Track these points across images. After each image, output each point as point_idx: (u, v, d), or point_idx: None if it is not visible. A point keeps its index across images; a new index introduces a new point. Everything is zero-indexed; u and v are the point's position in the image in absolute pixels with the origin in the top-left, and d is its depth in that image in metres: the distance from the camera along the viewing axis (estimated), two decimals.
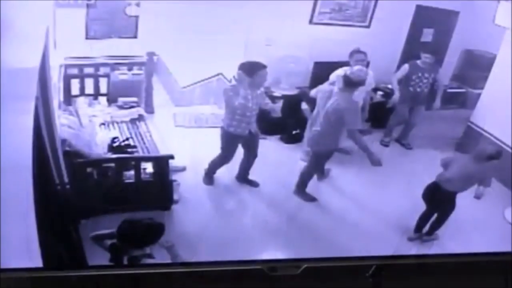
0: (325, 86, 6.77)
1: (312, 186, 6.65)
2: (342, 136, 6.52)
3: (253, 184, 6.76)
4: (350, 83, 6.51)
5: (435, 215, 6.25)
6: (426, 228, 6.32)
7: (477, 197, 6.29)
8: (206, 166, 6.65)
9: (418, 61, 7.62)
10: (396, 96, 7.74)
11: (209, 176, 6.73)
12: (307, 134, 6.83)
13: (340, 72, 6.79)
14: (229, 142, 6.54)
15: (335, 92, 6.55)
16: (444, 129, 8.37)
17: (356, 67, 6.70)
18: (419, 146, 7.92)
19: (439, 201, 6.16)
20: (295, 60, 7.51)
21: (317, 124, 6.64)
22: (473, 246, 6.08)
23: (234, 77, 6.17)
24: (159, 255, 4.97)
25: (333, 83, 6.86)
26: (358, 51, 7.30)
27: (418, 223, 6.27)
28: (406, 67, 7.69)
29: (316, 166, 6.69)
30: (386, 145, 7.95)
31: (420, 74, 7.63)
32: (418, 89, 7.68)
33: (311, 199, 6.66)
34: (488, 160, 6.19)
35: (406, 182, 6.91)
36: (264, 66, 6.23)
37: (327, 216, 6.43)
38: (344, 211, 6.50)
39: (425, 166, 7.33)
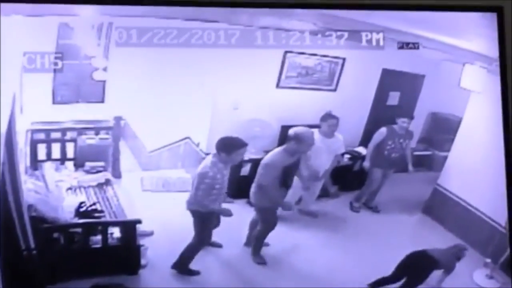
0: None
1: (276, 250, 6.59)
2: (278, 191, 6.47)
3: (216, 245, 6.67)
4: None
5: (403, 281, 6.17)
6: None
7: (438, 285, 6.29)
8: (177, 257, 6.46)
9: (395, 126, 7.62)
10: (367, 164, 7.73)
11: (186, 268, 6.40)
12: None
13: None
14: (205, 223, 6.39)
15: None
16: (411, 191, 8.40)
17: (300, 128, 6.66)
18: (386, 209, 7.93)
19: (421, 268, 6.11)
20: (261, 124, 7.53)
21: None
22: None
23: (212, 156, 6.05)
24: None
25: None
26: (330, 115, 7.33)
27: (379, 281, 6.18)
28: (383, 131, 7.68)
29: (266, 224, 6.59)
30: (357, 211, 7.93)
31: (396, 139, 7.65)
32: (393, 154, 7.69)
33: (262, 262, 6.60)
34: (457, 259, 6.22)
35: (372, 246, 6.90)
36: (245, 144, 6.14)
37: (294, 279, 6.37)
38: (310, 274, 6.46)
39: (392, 229, 7.36)
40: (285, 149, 6.36)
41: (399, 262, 6.14)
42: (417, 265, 6.05)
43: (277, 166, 6.37)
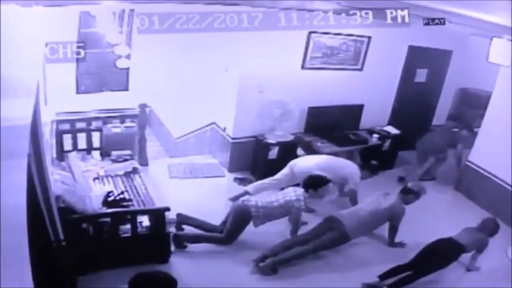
0: None
1: None
2: None
3: None
4: None
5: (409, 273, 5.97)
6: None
7: (469, 269, 6.18)
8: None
9: None
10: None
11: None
12: None
13: None
14: None
15: None
16: (443, 169, 8.29)
17: None
18: None
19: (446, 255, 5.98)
20: (284, 105, 7.46)
21: None
22: (476, 284, 5.98)
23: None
24: None
25: None
26: None
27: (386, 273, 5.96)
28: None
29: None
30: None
31: None
32: None
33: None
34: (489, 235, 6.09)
35: (406, 225, 6.75)
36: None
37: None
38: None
39: (426, 208, 7.19)
40: None
41: (420, 251, 5.99)
42: (442, 253, 5.92)
43: None
